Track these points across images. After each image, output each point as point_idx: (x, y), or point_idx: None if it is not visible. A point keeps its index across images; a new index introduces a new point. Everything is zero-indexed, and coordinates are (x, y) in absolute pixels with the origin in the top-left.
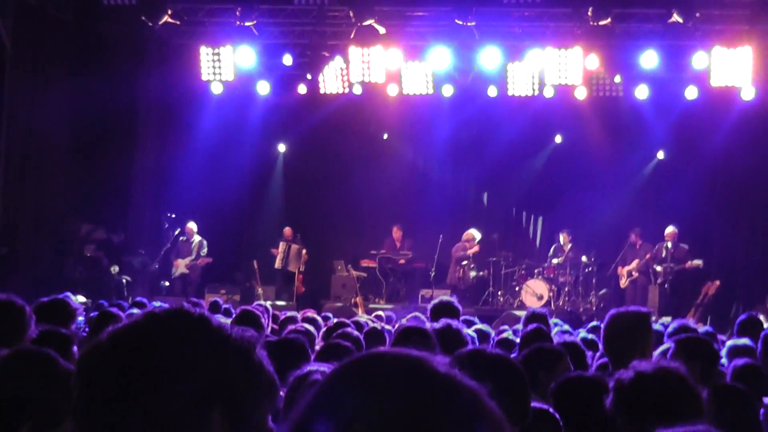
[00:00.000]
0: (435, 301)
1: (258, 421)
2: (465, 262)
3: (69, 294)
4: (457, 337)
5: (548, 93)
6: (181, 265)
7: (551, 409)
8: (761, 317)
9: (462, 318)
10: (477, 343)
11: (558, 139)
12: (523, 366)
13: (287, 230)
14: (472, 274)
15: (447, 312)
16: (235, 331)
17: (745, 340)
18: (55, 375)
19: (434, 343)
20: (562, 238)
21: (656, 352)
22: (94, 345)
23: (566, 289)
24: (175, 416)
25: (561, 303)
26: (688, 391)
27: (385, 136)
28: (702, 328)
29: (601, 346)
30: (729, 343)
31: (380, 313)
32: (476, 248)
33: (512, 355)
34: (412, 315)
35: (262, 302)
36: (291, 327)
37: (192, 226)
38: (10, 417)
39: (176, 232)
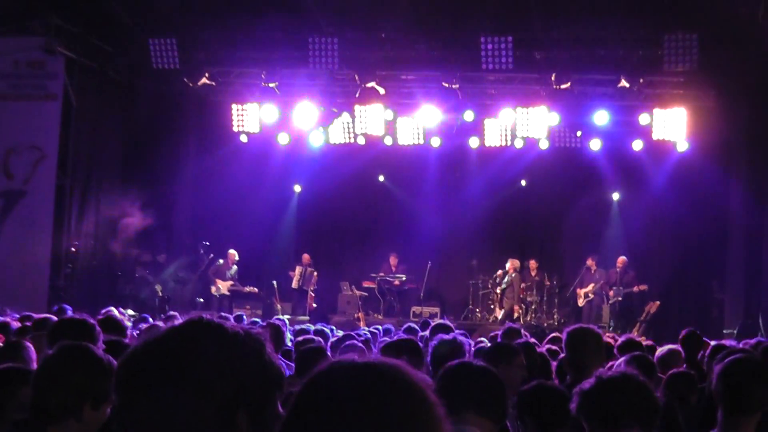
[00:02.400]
0: (433, 323)
1: (271, 410)
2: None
3: (112, 308)
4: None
5: (518, 144)
6: (224, 287)
7: None
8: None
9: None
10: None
11: (523, 182)
12: (487, 360)
13: (306, 256)
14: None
15: (442, 329)
16: (245, 332)
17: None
18: (104, 368)
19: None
20: (531, 264)
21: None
22: (128, 356)
23: (533, 307)
24: (206, 422)
25: (528, 318)
26: (647, 393)
27: (381, 178)
28: (645, 342)
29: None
30: (657, 352)
31: (378, 326)
32: (499, 272)
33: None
34: (406, 326)
35: (280, 316)
36: (303, 337)
37: (233, 253)
38: (75, 398)
39: (210, 257)
